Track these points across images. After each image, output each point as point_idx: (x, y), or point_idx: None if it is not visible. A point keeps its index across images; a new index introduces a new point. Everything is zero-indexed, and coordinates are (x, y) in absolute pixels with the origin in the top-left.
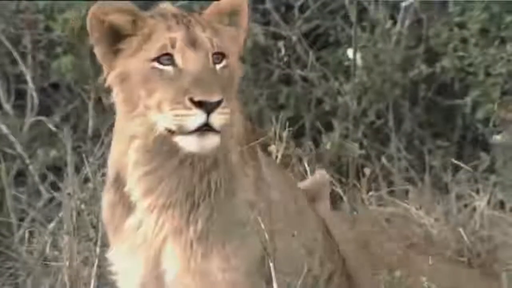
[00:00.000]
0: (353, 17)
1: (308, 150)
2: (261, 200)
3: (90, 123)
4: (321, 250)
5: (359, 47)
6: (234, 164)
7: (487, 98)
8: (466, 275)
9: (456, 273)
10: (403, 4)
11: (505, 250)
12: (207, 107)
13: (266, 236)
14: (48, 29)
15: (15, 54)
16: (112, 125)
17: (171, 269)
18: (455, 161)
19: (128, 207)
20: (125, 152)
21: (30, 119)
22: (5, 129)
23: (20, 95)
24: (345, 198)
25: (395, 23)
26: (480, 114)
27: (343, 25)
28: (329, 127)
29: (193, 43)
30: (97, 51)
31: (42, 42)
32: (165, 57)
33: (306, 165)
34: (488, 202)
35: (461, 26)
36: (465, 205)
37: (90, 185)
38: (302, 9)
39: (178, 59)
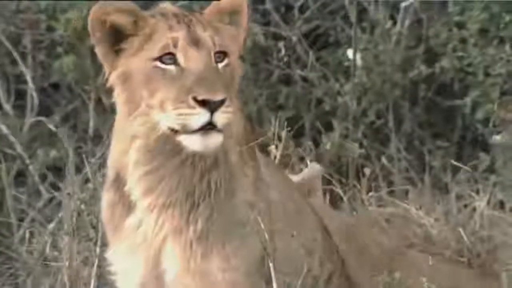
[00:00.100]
0: (353, 17)
1: (308, 150)
2: (260, 200)
3: (91, 123)
4: (320, 250)
5: (360, 48)
6: (233, 164)
7: (486, 98)
8: (466, 275)
9: (456, 273)
10: (403, 4)
11: (505, 250)
12: (211, 106)
13: (266, 236)
14: (50, 29)
15: (15, 54)
16: (112, 125)
17: (171, 268)
18: (455, 162)
19: (128, 206)
20: (125, 151)
21: (30, 119)
22: (5, 129)
23: (20, 95)
24: (345, 198)
25: (395, 23)
26: (479, 114)
27: (343, 26)
28: (329, 127)
29: (195, 42)
30: (99, 51)
31: (44, 42)
32: (167, 57)
33: (308, 163)
34: (488, 202)
35: (461, 26)
36: (465, 205)
37: (90, 185)
38: (302, 9)
39: (180, 58)
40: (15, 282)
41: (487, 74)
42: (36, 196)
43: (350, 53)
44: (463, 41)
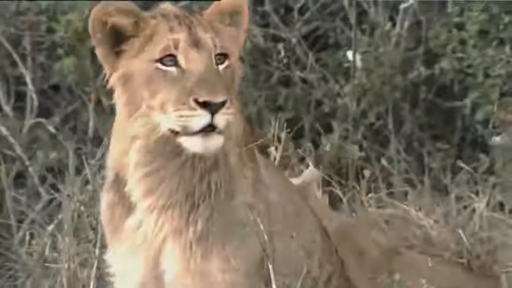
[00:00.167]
0: (352, 19)
1: (307, 152)
2: (260, 201)
3: (91, 125)
4: (319, 251)
5: (359, 50)
6: (232, 165)
7: (486, 99)
8: (465, 276)
9: (455, 274)
10: (402, 6)
11: (504, 252)
12: (212, 108)
13: (265, 237)
14: (50, 30)
15: (15, 56)
16: (112, 126)
17: (170, 269)
18: (455, 163)
19: (128, 207)
20: (125, 152)
21: (29, 121)
22: (4, 131)
23: (20, 97)
24: (344, 200)
25: (394, 25)
26: (479, 116)
27: (343, 27)
28: (328, 129)
29: (196, 44)
30: (99, 52)
31: (44, 43)
32: (168, 58)
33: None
34: (488, 204)
35: (460, 27)
36: (465, 207)
37: (89, 187)
38: (301, 11)
39: (181, 60)
40: (15, 283)
41: (486, 75)
42: (35, 197)
43: (350, 54)
44: (463, 42)
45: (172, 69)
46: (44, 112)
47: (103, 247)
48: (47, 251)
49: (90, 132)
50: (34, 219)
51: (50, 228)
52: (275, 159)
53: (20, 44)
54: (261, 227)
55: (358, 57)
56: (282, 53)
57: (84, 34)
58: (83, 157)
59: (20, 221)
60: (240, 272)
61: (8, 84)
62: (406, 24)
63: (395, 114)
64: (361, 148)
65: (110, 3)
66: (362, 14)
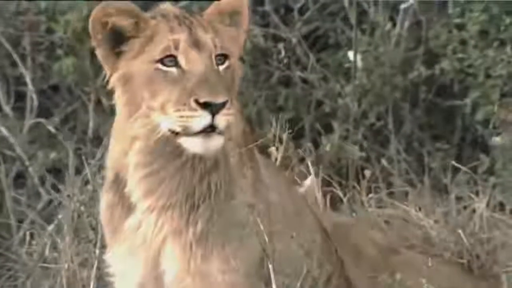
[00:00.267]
0: (352, 19)
1: (308, 152)
2: (260, 202)
3: (90, 125)
4: (319, 251)
5: (360, 50)
6: (232, 166)
7: (486, 99)
8: (465, 276)
9: (455, 274)
10: (402, 6)
11: (504, 252)
12: (213, 109)
13: (265, 237)
14: (49, 30)
15: (15, 56)
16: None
17: (170, 269)
18: (455, 163)
19: (128, 207)
20: (125, 152)
21: (29, 121)
22: (4, 131)
23: (20, 97)
24: (344, 200)
25: (394, 25)
26: (479, 116)
27: (343, 27)
28: (329, 129)
29: (196, 44)
30: (99, 53)
31: (43, 44)
32: (169, 59)
33: (309, 165)
34: (488, 204)
35: (460, 27)
36: (465, 207)
37: (89, 187)
38: (301, 11)
39: (181, 60)
40: (15, 283)
41: (487, 76)
42: (35, 197)
43: (350, 55)
44: (463, 42)
45: (173, 69)
46: (44, 112)
47: (103, 247)
48: (47, 251)
49: (90, 132)
50: (34, 219)
51: (50, 228)
52: (276, 159)
53: (20, 44)
54: (261, 227)
55: (358, 57)
56: (283, 53)
57: (83, 34)
58: (83, 157)
59: (20, 221)
60: (240, 273)
61: (8, 84)
62: (406, 24)
63: (395, 114)
64: (361, 148)
65: (110, 3)
66: (362, 14)
